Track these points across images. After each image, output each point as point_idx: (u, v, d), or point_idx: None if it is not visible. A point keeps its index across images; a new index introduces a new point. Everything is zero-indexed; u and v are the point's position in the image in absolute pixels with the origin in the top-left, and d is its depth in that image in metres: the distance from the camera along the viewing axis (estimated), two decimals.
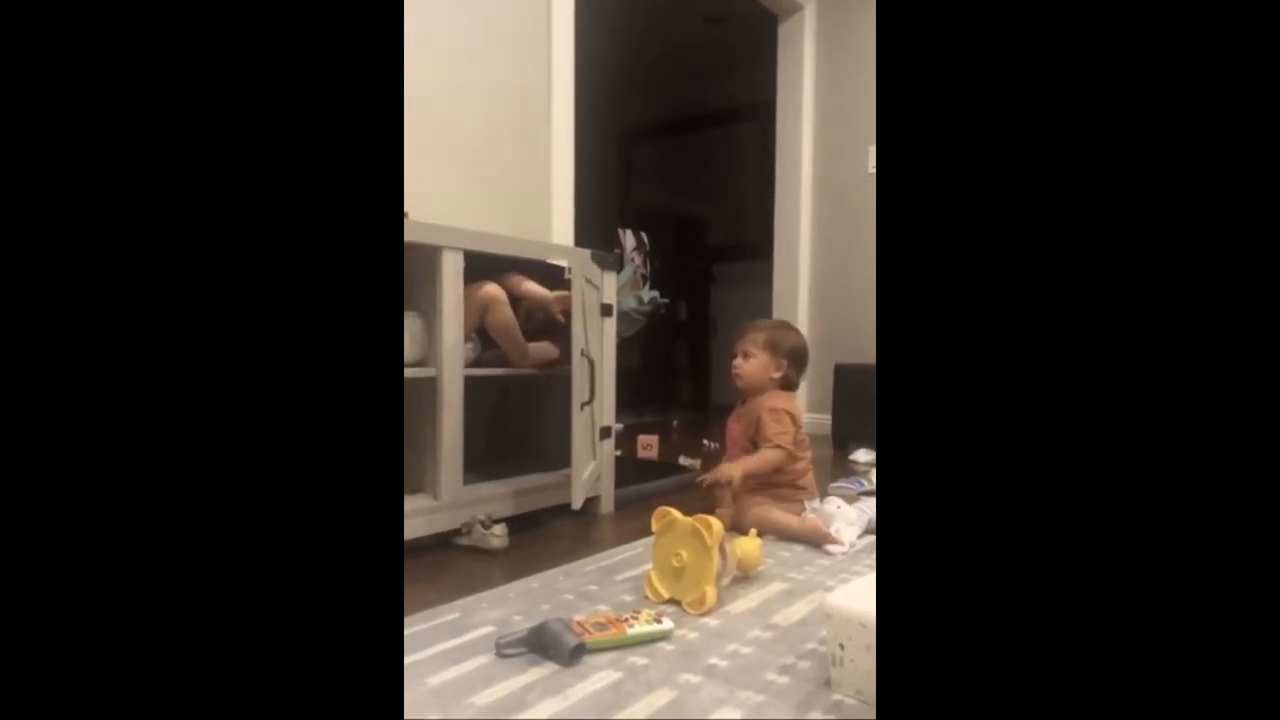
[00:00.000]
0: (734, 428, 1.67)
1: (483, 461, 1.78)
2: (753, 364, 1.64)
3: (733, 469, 1.51)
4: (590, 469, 1.68)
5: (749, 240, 4.61)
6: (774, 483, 1.58)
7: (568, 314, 1.68)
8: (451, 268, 1.43)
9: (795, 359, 1.65)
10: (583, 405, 1.50)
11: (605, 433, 1.76)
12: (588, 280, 1.66)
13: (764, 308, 3.58)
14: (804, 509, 1.57)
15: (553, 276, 1.81)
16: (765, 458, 1.55)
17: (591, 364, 1.51)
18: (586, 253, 1.71)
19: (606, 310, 1.77)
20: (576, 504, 1.58)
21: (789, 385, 1.67)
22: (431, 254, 1.42)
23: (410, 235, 1.36)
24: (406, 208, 1.62)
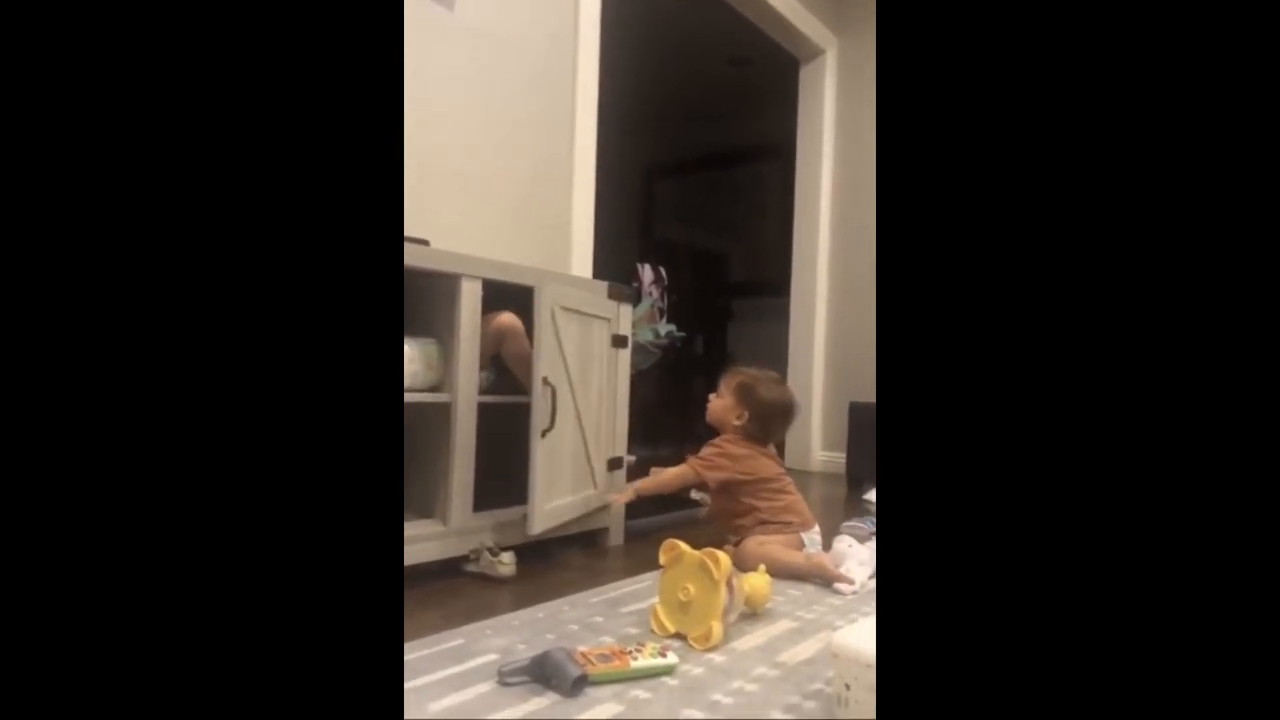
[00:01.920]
0: None
1: (493, 489, 1.78)
2: (718, 404, 1.67)
3: (627, 490, 1.66)
4: (584, 499, 1.65)
5: (768, 277, 4.62)
6: (761, 520, 1.57)
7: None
8: (470, 296, 1.45)
9: (761, 412, 1.62)
10: (543, 433, 1.48)
11: (616, 463, 1.76)
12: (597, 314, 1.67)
13: (780, 344, 3.58)
14: (802, 543, 1.55)
15: None
16: (665, 475, 1.64)
17: (554, 391, 1.49)
18: (551, 274, 1.69)
19: (621, 342, 1.78)
20: (531, 530, 1.48)
21: (750, 435, 1.63)
22: (451, 282, 1.44)
23: (430, 263, 1.39)
24: (428, 235, 1.65)
